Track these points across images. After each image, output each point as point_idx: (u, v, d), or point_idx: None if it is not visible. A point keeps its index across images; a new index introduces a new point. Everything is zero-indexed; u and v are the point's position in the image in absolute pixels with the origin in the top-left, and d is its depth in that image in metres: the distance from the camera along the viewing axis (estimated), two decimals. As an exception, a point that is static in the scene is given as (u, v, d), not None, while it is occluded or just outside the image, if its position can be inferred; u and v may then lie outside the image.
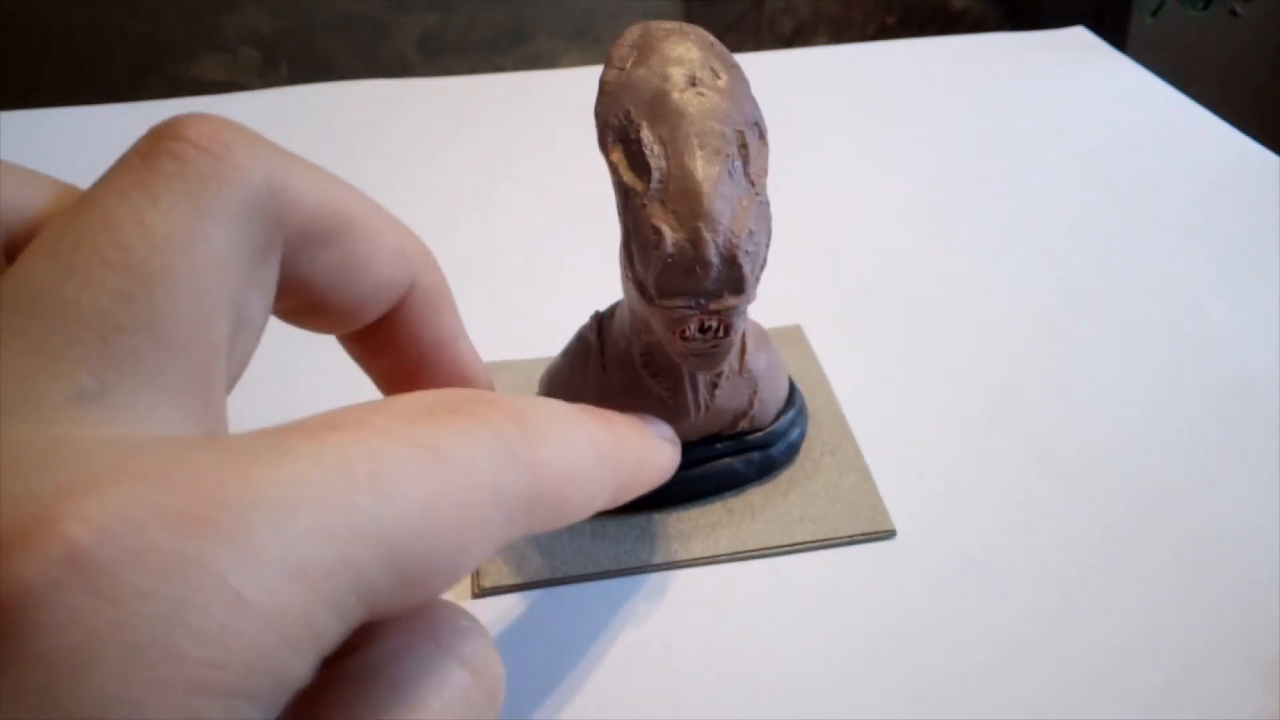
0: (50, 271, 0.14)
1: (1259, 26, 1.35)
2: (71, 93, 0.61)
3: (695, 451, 0.27)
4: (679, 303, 0.21)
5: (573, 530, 0.26)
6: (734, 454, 0.27)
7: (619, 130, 0.21)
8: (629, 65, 0.22)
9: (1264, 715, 0.21)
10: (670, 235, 0.20)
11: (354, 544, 0.14)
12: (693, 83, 0.22)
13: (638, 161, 0.21)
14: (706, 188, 0.21)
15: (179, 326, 0.15)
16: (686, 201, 0.21)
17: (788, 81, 0.54)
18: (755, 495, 0.27)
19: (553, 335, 0.34)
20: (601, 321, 0.26)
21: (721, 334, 0.22)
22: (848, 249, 0.39)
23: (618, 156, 0.21)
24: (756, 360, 0.26)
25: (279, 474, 0.13)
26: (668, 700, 0.22)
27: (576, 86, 0.53)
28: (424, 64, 1.37)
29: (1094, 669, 0.22)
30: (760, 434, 0.27)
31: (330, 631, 0.13)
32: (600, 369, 0.25)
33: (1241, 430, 0.29)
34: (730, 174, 0.21)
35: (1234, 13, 1.05)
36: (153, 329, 0.14)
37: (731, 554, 0.25)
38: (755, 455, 0.27)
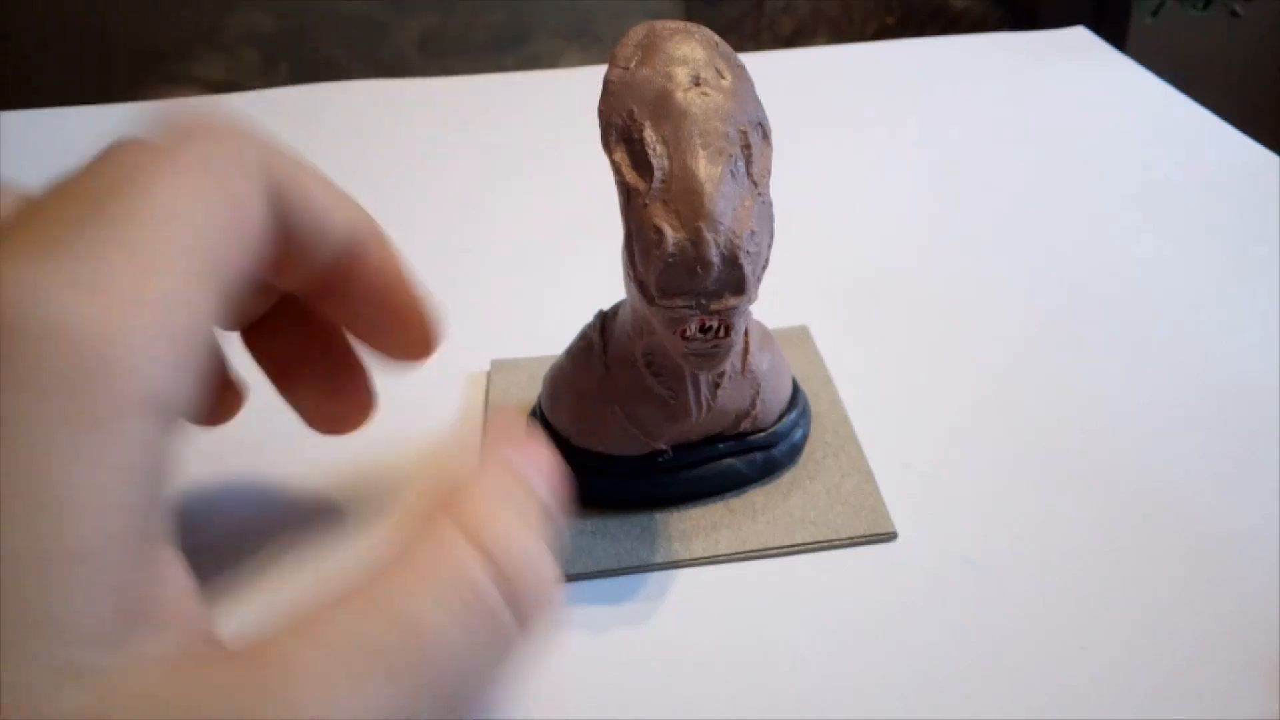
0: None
1: (1259, 26, 1.35)
2: (71, 93, 0.61)
3: (697, 451, 0.26)
4: (680, 302, 0.21)
5: (573, 529, 0.26)
6: (736, 454, 0.27)
7: (622, 129, 0.21)
8: (633, 64, 0.22)
9: (1264, 715, 0.21)
10: (671, 235, 0.20)
11: (162, 235, 0.16)
12: (696, 82, 0.22)
13: (640, 161, 0.21)
14: (708, 188, 0.21)
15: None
16: (688, 201, 0.21)
17: (788, 81, 0.54)
18: (757, 496, 0.27)
19: (554, 334, 0.34)
20: (605, 320, 0.26)
21: (722, 334, 0.22)
22: (850, 249, 0.39)
23: (620, 156, 0.21)
24: (759, 360, 0.26)
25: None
26: (667, 699, 0.22)
27: (577, 86, 0.53)
28: (424, 64, 1.37)
29: (1094, 669, 0.22)
30: (763, 434, 0.27)
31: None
32: (603, 368, 0.26)
33: (1242, 430, 0.29)
34: (733, 174, 0.21)
35: (1234, 13, 1.05)
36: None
37: (732, 554, 0.25)
38: (758, 456, 0.27)
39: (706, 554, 0.25)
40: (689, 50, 0.22)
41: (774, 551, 0.25)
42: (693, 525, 0.26)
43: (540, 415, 0.28)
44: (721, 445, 0.27)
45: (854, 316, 0.35)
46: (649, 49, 0.22)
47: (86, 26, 1.29)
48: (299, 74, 1.34)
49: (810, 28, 1.39)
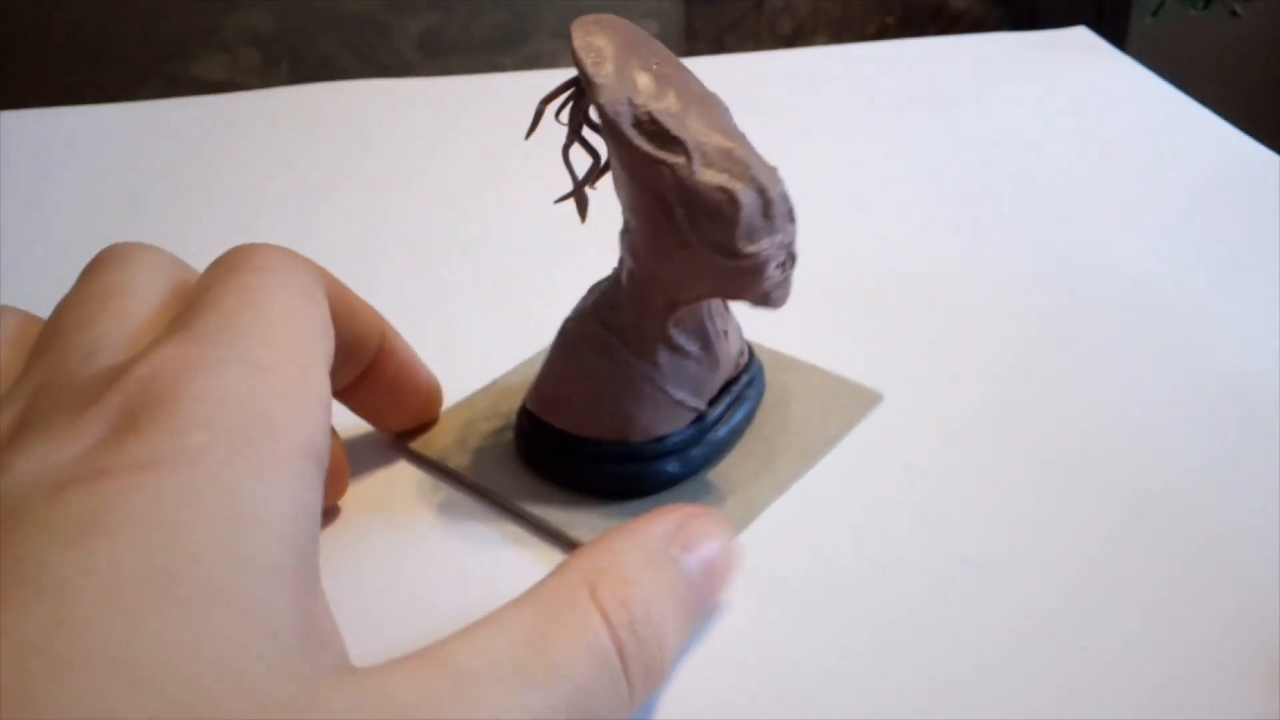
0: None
1: (1259, 26, 1.35)
2: (71, 93, 0.61)
3: (720, 403, 0.28)
4: (763, 245, 0.23)
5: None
6: (745, 392, 0.28)
7: (630, 117, 0.22)
8: (607, 58, 0.23)
9: (1264, 715, 0.21)
10: (740, 188, 0.22)
11: (283, 324, 0.19)
12: (654, 60, 0.24)
13: (663, 138, 0.22)
14: (740, 141, 0.23)
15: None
16: (730, 158, 0.23)
17: (788, 81, 0.54)
18: (760, 429, 0.29)
19: (553, 334, 0.34)
20: (601, 315, 0.26)
21: (790, 264, 0.24)
22: (849, 248, 0.39)
23: (640, 140, 0.22)
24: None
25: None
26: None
27: (576, 86, 0.53)
28: (424, 64, 1.37)
29: (1094, 669, 0.22)
30: (747, 368, 0.29)
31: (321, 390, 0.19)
32: (636, 356, 0.26)
33: (1242, 430, 0.29)
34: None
35: (1234, 13, 1.05)
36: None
37: (790, 481, 0.27)
38: (752, 389, 0.29)
39: (775, 490, 0.27)
40: (628, 32, 0.24)
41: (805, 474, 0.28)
42: (745, 467, 0.27)
43: (529, 427, 0.27)
44: (734, 388, 0.28)
45: (852, 316, 0.35)
46: (610, 41, 0.23)
47: (86, 26, 1.29)
48: (299, 74, 1.34)
49: (810, 28, 1.39)
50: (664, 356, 0.26)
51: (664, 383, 0.26)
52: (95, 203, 0.43)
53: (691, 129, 0.23)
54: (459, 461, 0.28)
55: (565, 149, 0.24)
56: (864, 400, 0.30)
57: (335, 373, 0.24)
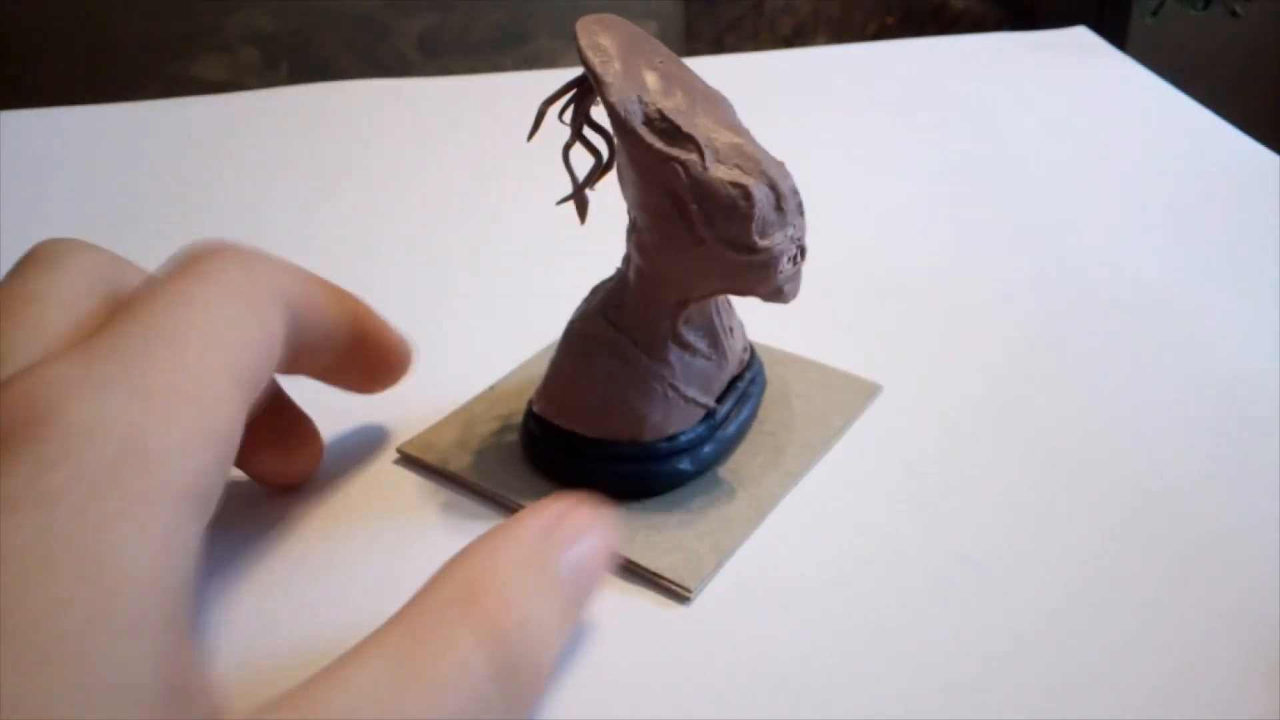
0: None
1: (1259, 26, 1.35)
2: (71, 93, 0.61)
3: (728, 399, 0.28)
4: (776, 239, 0.23)
5: (668, 524, 0.26)
6: (750, 388, 0.29)
7: (641, 115, 0.23)
8: (614, 57, 0.23)
9: (1264, 715, 0.21)
10: (753, 184, 0.23)
11: (199, 344, 0.18)
12: (658, 58, 0.24)
13: (674, 135, 0.23)
14: (747, 137, 0.24)
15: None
16: (740, 154, 0.23)
17: (788, 81, 0.54)
18: (763, 423, 0.29)
19: (554, 335, 0.34)
20: (609, 315, 0.26)
21: (801, 257, 0.25)
22: (849, 248, 0.39)
23: (652, 137, 0.23)
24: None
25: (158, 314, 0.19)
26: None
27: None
28: (424, 64, 1.37)
29: (1093, 669, 0.22)
30: (749, 364, 0.29)
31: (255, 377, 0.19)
32: (647, 355, 0.26)
33: (1242, 430, 0.29)
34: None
35: (1234, 13, 1.05)
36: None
37: (802, 472, 0.27)
38: (756, 385, 0.29)
39: (785, 484, 0.27)
40: (632, 32, 0.24)
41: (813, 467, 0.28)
42: (753, 463, 0.27)
43: (537, 429, 0.27)
44: (739, 385, 0.28)
45: (852, 315, 0.35)
46: (614, 41, 0.23)
47: (86, 26, 1.29)
48: (299, 74, 1.34)
49: (810, 28, 1.39)
50: (674, 354, 0.26)
51: (675, 381, 0.26)
52: (95, 203, 0.43)
53: (701, 126, 0.23)
54: (461, 465, 0.27)
55: (566, 150, 0.24)
56: (864, 392, 0.30)
57: (306, 362, 0.24)
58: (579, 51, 0.23)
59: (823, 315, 0.34)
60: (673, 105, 0.23)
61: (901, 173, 0.45)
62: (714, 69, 0.57)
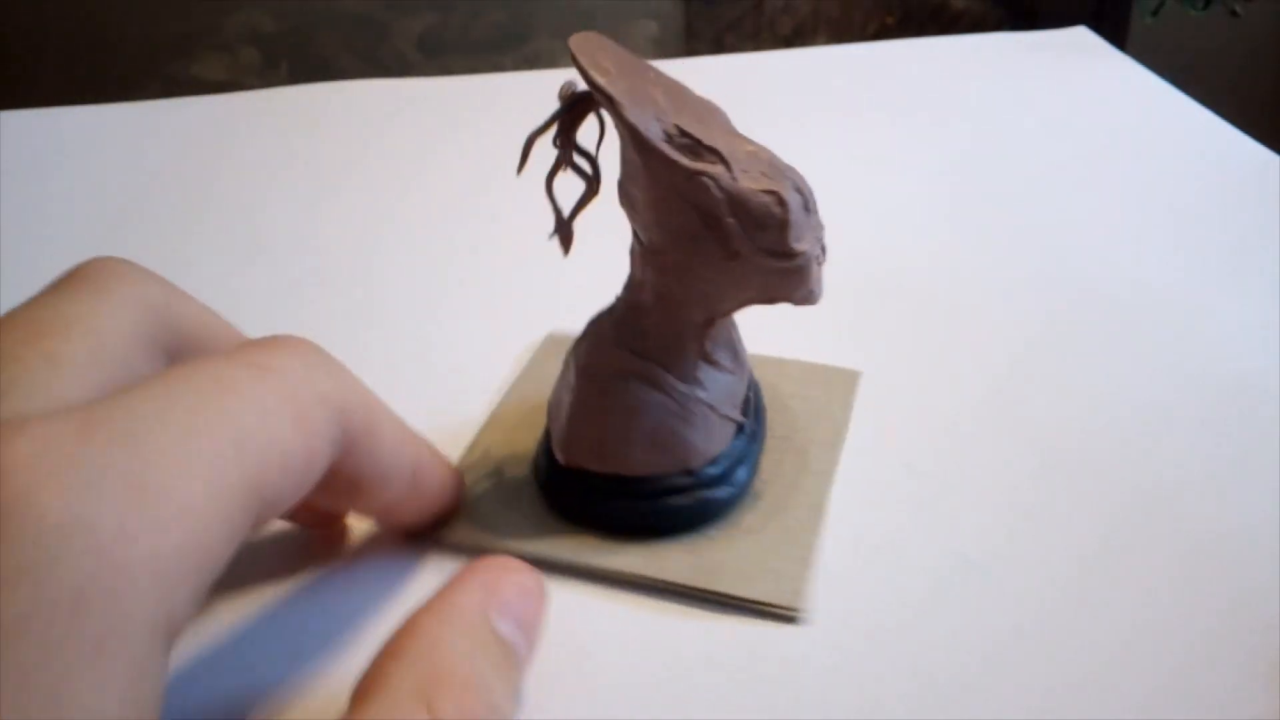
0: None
1: (1259, 26, 1.35)
2: (71, 93, 0.61)
3: (749, 411, 0.27)
4: (807, 243, 0.23)
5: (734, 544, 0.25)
6: (758, 397, 0.28)
7: (661, 134, 0.22)
8: (619, 76, 0.22)
9: (1264, 715, 0.21)
10: (783, 188, 0.22)
11: (219, 439, 0.16)
12: (651, 74, 0.23)
13: (697, 150, 0.22)
14: (761, 144, 0.23)
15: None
16: (760, 161, 0.23)
17: (787, 81, 0.54)
18: (773, 437, 0.28)
19: (554, 335, 0.34)
20: (630, 345, 0.25)
21: (824, 257, 0.24)
22: (848, 248, 0.39)
23: (676, 154, 0.22)
24: None
25: (143, 402, 0.16)
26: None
27: (576, 86, 0.53)
28: (424, 64, 1.37)
29: (1093, 669, 0.22)
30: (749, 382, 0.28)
31: (236, 519, 0.16)
32: (680, 380, 0.25)
33: (1242, 430, 0.29)
34: None
35: (1234, 13, 1.05)
36: (49, 364, 0.17)
37: (827, 478, 0.27)
38: (757, 394, 0.28)
39: (826, 484, 0.27)
40: (627, 52, 0.24)
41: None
42: (782, 470, 0.27)
43: (564, 481, 0.26)
44: (750, 395, 0.27)
45: (851, 316, 0.35)
46: (612, 62, 0.23)
47: (86, 26, 1.29)
48: (299, 74, 1.34)
49: (810, 28, 1.39)
50: (705, 374, 0.25)
51: (712, 400, 0.25)
52: (95, 203, 0.43)
53: (718, 138, 0.22)
54: (487, 541, 0.25)
55: (550, 180, 0.24)
56: (849, 380, 0.31)
57: (345, 495, 0.21)
58: (583, 73, 0.22)
59: (823, 315, 0.34)
60: (687, 120, 0.22)
61: (901, 173, 0.45)
62: (714, 69, 0.57)
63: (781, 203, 0.22)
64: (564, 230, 0.25)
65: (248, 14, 1.33)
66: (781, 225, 0.22)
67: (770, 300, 0.24)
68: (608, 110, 0.22)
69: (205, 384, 0.16)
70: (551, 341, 0.33)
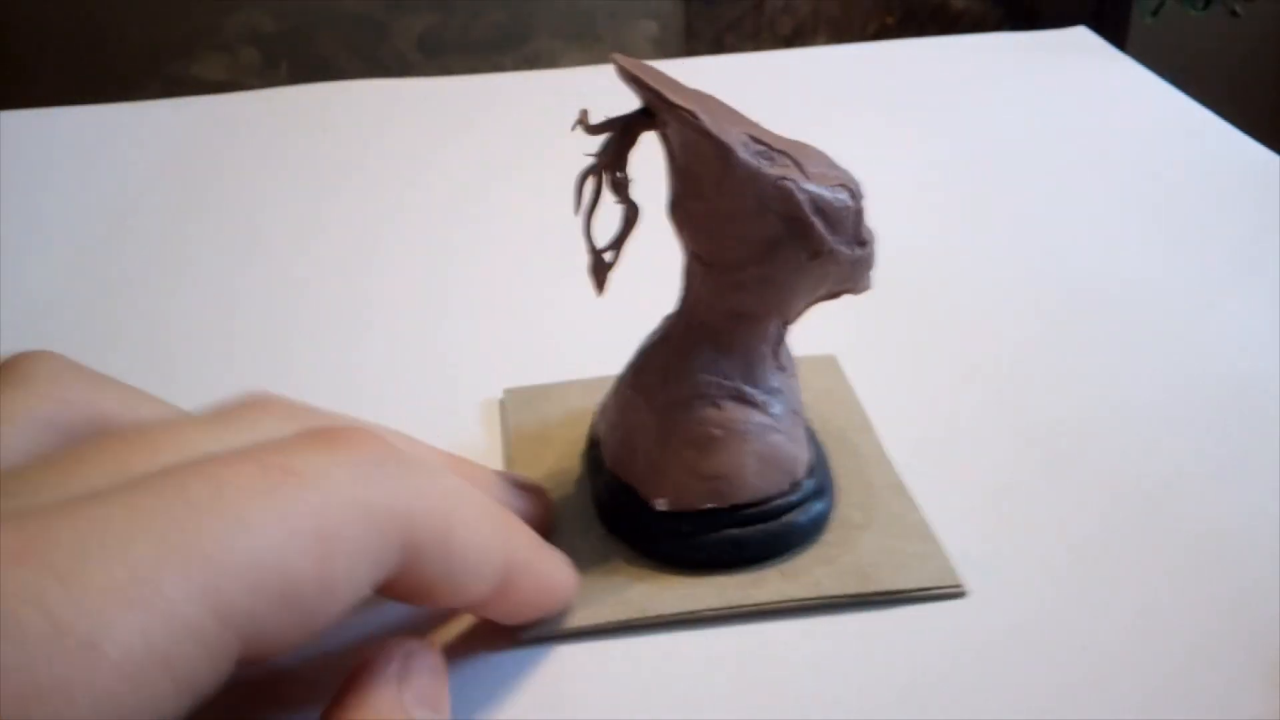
0: (88, 443, 0.16)
1: (1259, 26, 1.35)
2: (71, 93, 0.61)
3: None
4: (869, 233, 0.23)
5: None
6: None
7: (741, 144, 0.21)
8: (685, 93, 0.22)
9: (1264, 715, 0.21)
10: (851, 181, 0.23)
11: (199, 568, 0.13)
12: (680, 83, 0.23)
13: (770, 156, 0.22)
14: (808, 144, 0.23)
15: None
16: (818, 160, 0.23)
17: (787, 81, 0.54)
18: (810, 428, 0.27)
19: (554, 336, 0.34)
20: (715, 373, 0.24)
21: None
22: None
23: (760, 163, 0.21)
24: None
25: (115, 508, 0.13)
26: None
27: (576, 86, 0.53)
28: (424, 64, 1.37)
29: (1093, 668, 0.22)
30: None
31: (195, 664, 0.13)
32: (767, 394, 0.24)
33: (1242, 430, 0.29)
34: None
35: (1234, 13, 1.05)
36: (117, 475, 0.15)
37: (885, 459, 0.28)
38: None
39: (893, 473, 0.27)
40: (649, 66, 0.23)
41: None
42: (841, 461, 0.27)
43: (669, 526, 0.24)
44: None
45: (850, 315, 0.35)
46: (661, 80, 0.22)
47: (86, 26, 1.29)
48: (299, 74, 1.34)
49: (810, 28, 1.39)
50: (782, 382, 0.25)
51: (796, 407, 0.25)
52: (95, 203, 0.43)
53: (779, 142, 0.22)
54: (609, 615, 0.23)
55: (589, 215, 0.23)
56: (833, 365, 0.31)
57: (411, 600, 0.19)
58: (651, 93, 0.21)
59: (817, 313, 0.34)
60: (744, 124, 0.22)
61: (901, 172, 0.45)
62: (714, 69, 0.57)
63: (854, 193, 0.22)
64: (602, 268, 0.24)
65: (248, 14, 1.33)
66: (858, 215, 0.23)
67: (838, 294, 0.24)
68: (681, 128, 0.21)
69: (197, 491, 0.14)
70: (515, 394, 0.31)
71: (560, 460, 0.27)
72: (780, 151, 0.22)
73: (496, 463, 0.28)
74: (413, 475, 0.17)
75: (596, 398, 0.27)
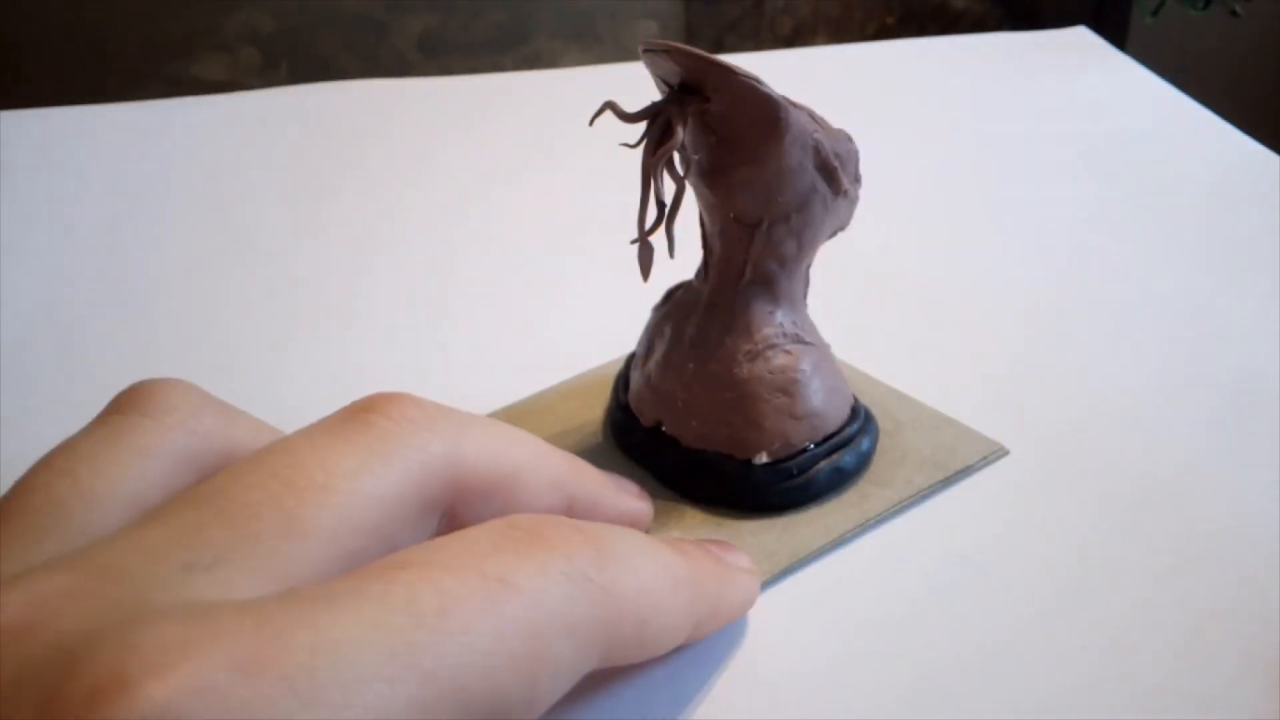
0: (226, 477, 0.16)
1: (1259, 26, 1.35)
2: (71, 93, 0.61)
3: None
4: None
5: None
6: None
7: (787, 103, 0.23)
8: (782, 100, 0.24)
9: (1264, 715, 0.21)
10: (846, 132, 0.25)
11: (420, 684, 0.13)
12: None
13: (797, 109, 0.24)
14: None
15: (314, 530, 0.16)
16: (818, 119, 0.24)
17: (788, 81, 0.54)
18: None
19: (553, 336, 0.34)
20: (770, 321, 0.26)
21: None
22: (848, 248, 0.39)
23: (802, 118, 0.23)
24: None
25: (343, 616, 0.14)
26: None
27: (576, 86, 0.53)
28: (424, 64, 1.37)
29: (1092, 668, 0.22)
30: None
31: None
32: (806, 330, 0.26)
33: (1242, 429, 0.29)
34: None
35: (1234, 13, 1.05)
36: (286, 527, 0.15)
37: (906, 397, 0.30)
38: None
39: (913, 404, 0.30)
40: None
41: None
42: (877, 396, 0.29)
43: (766, 477, 0.25)
44: None
45: (850, 315, 0.35)
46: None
47: (86, 26, 1.29)
48: (299, 74, 1.34)
49: (810, 28, 1.39)
50: (815, 352, 0.26)
51: (824, 341, 0.27)
52: (95, 203, 0.43)
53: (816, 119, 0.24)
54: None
55: (654, 182, 0.23)
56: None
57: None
58: (694, 60, 0.22)
59: (817, 313, 0.34)
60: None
61: (901, 172, 0.45)
62: (714, 69, 0.56)
63: (849, 136, 0.25)
64: (645, 250, 0.24)
65: (248, 14, 1.33)
66: (857, 156, 0.25)
67: (838, 230, 0.26)
68: (734, 96, 0.22)
69: (424, 603, 0.14)
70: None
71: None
72: (798, 106, 0.23)
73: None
74: (614, 574, 0.17)
75: (587, 397, 0.27)
